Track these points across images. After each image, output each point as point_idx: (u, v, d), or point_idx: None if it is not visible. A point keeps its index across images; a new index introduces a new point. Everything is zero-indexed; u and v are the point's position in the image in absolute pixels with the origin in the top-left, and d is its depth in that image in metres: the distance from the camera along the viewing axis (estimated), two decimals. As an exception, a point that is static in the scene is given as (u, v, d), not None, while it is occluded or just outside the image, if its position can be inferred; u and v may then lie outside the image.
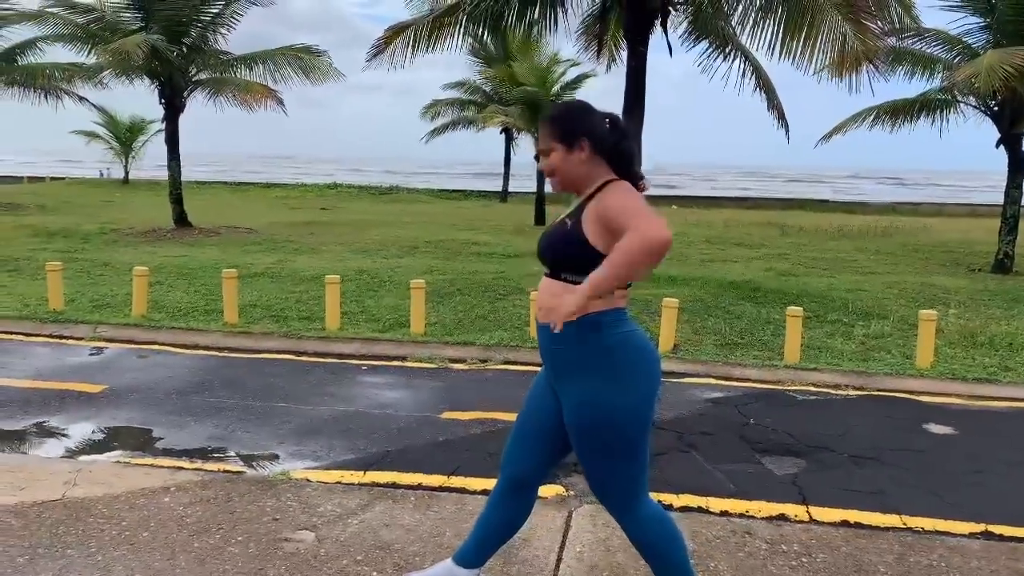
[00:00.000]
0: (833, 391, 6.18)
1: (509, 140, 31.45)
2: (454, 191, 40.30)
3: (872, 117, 14.91)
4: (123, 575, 3.08)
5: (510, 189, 34.01)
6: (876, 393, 6.16)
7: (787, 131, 11.78)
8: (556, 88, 22.44)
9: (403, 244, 14.96)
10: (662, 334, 7.15)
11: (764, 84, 11.34)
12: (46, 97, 23.84)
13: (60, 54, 22.37)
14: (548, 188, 18.11)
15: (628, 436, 2.45)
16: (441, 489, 4.08)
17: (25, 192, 30.45)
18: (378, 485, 4.09)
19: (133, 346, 7.04)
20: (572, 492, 4.08)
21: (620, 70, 10.93)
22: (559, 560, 3.29)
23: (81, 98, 25.02)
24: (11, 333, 7.36)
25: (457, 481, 4.19)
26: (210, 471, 4.23)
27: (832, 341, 7.63)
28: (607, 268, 2.21)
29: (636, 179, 2.47)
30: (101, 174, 44.21)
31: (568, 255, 2.43)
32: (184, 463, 4.36)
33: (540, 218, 20.45)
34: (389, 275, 10.96)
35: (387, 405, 5.47)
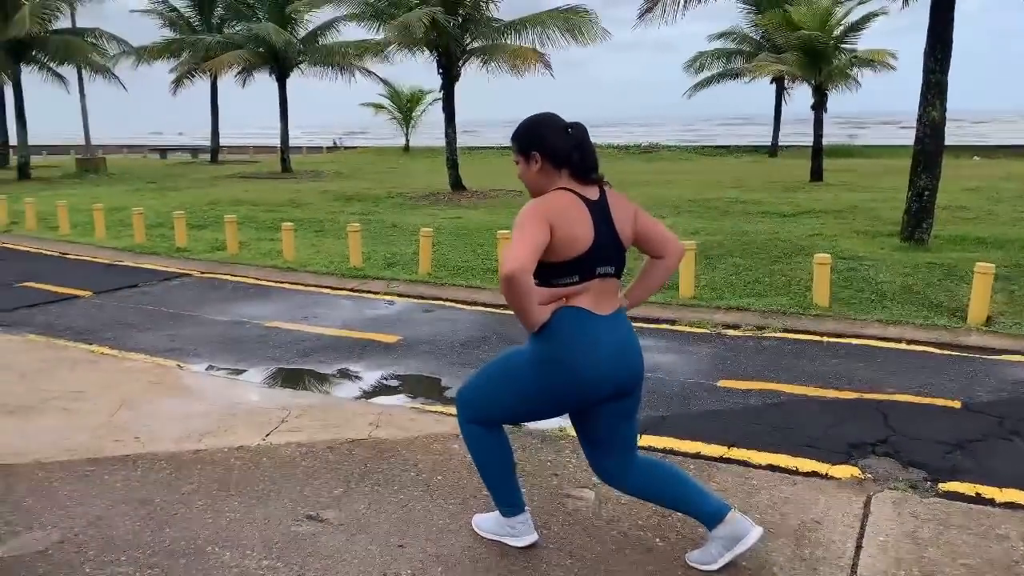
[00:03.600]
0: None
1: (780, 90, 29.50)
2: (718, 147, 38.75)
3: None
4: (421, 514, 3.31)
5: (780, 143, 31.98)
6: None
7: None
8: (839, 30, 20.48)
9: (667, 203, 14.67)
10: (973, 304, 6.29)
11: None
12: (341, 73, 26.53)
13: (352, 32, 24.59)
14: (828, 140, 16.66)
15: (512, 388, 2.76)
16: (721, 460, 3.92)
17: (325, 161, 34.26)
18: (655, 450, 4.03)
19: (421, 301, 7.61)
20: (870, 475, 3.72)
21: (918, 5, 9.69)
22: (858, 548, 3.00)
23: (369, 72, 27.50)
24: (321, 287, 8.29)
25: (738, 453, 4.00)
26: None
27: None
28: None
29: (595, 182, 2.66)
30: (335, 143, 48.75)
31: None
32: (469, 413, 4.61)
33: (817, 173, 18.93)
34: (655, 235, 10.78)
35: (659, 368, 5.37)
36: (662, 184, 18.88)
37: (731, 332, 6.27)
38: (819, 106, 19.91)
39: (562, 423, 4.39)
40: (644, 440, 4.16)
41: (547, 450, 4.00)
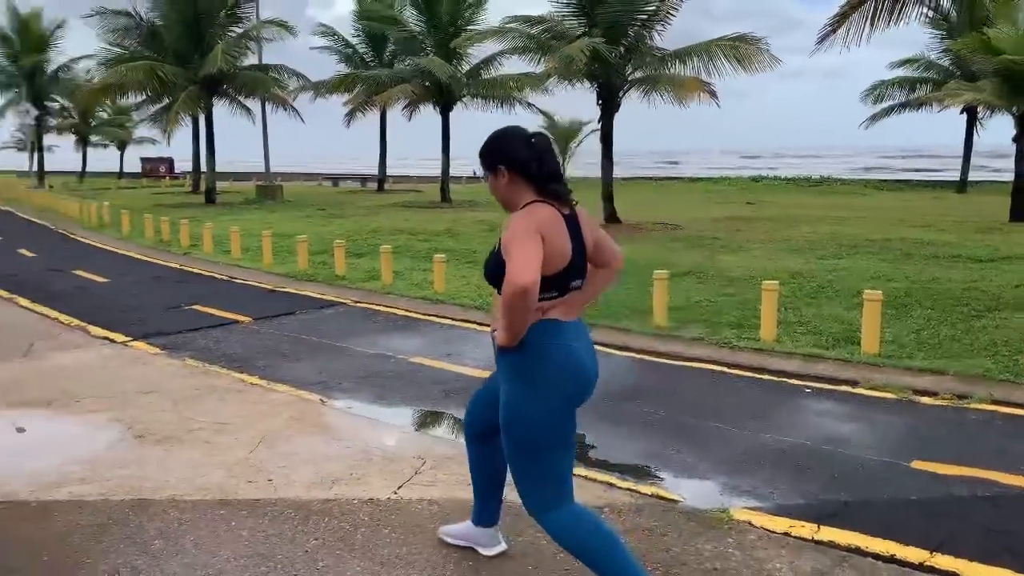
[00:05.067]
0: None
1: (972, 121, 26.97)
2: (897, 181, 36.02)
3: None
4: (558, 608, 2.88)
5: (970, 178, 29.20)
6: None
7: None
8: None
9: (841, 242, 13.52)
10: None
11: None
12: (501, 106, 26.92)
13: (514, 66, 24.91)
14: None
15: (531, 437, 2.70)
16: (922, 568, 3.21)
17: (483, 190, 34.85)
18: (836, 547, 3.38)
19: (568, 343, 7.20)
20: None
21: None
22: None
23: (529, 105, 27.74)
24: (467, 321, 8.09)
25: (943, 561, 3.27)
26: (644, 494, 3.94)
27: None
28: (500, 314, 2.58)
29: (556, 195, 2.66)
30: (474, 173, 48.01)
31: (496, 276, 2.61)
32: (616, 479, 4.14)
33: (1019, 212, 16.88)
34: (828, 279, 9.86)
35: (839, 441, 4.65)
36: (835, 221, 17.55)
37: (925, 400, 5.41)
38: (1021, 138, 17.87)
39: (723, 502, 3.85)
40: (823, 532, 3.52)
41: (706, 537, 3.46)
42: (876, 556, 3.30)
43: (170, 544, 3.44)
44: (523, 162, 2.67)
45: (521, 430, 2.70)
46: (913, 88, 29.10)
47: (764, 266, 10.99)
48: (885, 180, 36.92)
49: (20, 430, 4.96)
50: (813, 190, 31.11)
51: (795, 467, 4.27)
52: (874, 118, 29.92)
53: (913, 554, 3.31)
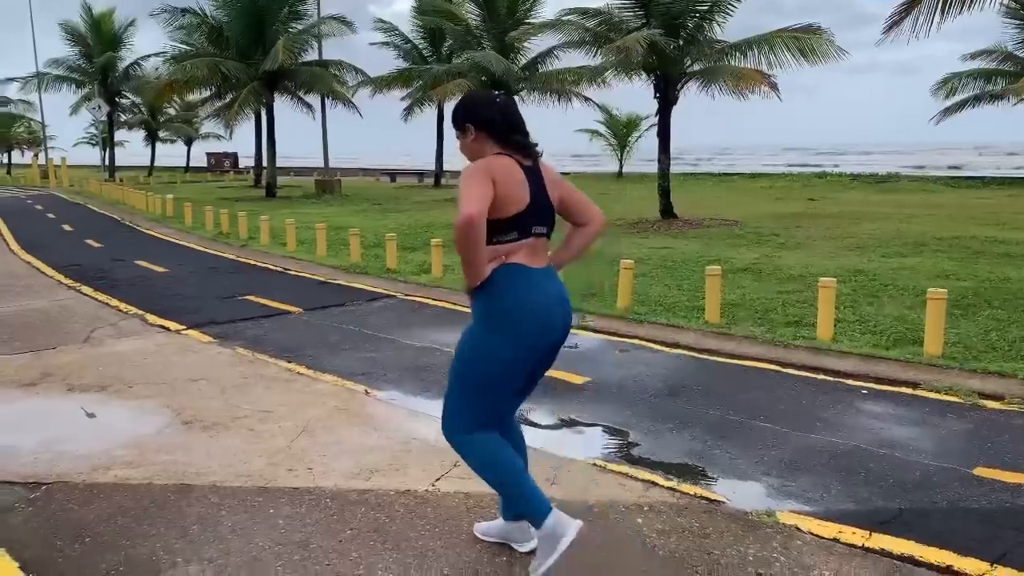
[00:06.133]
0: None
1: (1050, 115, 25.73)
2: (968, 178, 34.62)
3: None
4: (590, 608, 2.80)
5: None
6: None
7: None
8: None
9: (906, 241, 13.03)
10: None
11: None
12: (558, 100, 26.77)
13: (570, 59, 24.75)
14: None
15: (480, 374, 2.89)
16: (982, 581, 3.03)
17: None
18: (889, 555, 3.21)
19: (615, 338, 7.09)
20: None
21: None
22: None
23: (587, 99, 27.51)
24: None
25: (1004, 574, 3.08)
26: (686, 494, 3.82)
27: None
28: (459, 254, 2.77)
29: (518, 146, 2.89)
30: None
31: None
32: (659, 478, 4.02)
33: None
34: (891, 278, 9.50)
35: (896, 445, 4.44)
36: (902, 218, 16.94)
37: (991, 404, 5.13)
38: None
39: (770, 504, 3.71)
40: (875, 539, 3.35)
41: (750, 540, 3.33)
42: (931, 566, 3.12)
43: (208, 529, 3.47)
44: (487, 119, 2.91)
45: (472, 365, 2.90)
46: (989, 80, 27.88)
47: (824, 264, 10.65)
48: (956, 177, 35.50)
49: (90, 415, 5.09)
50: (879, 187, 30.11)
51: (848, 471, 4.09)
52: (946, 112, 28.74)
53: (971, 566, 3.12)
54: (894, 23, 9.03)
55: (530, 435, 4.70)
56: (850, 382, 5.66)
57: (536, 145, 2.94)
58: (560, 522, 2.84)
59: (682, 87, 17.36)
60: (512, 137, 2.90)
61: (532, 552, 3.10)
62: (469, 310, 2.95)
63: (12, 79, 47.50)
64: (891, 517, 3.57)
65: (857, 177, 34.81)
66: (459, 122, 2.99)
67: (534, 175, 2.90)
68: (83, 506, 3.73)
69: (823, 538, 3.35)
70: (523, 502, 2.94)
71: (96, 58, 41.38)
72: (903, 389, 5.46)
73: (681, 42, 16.89)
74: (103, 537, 3.42)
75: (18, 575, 3.09)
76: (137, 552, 3.27)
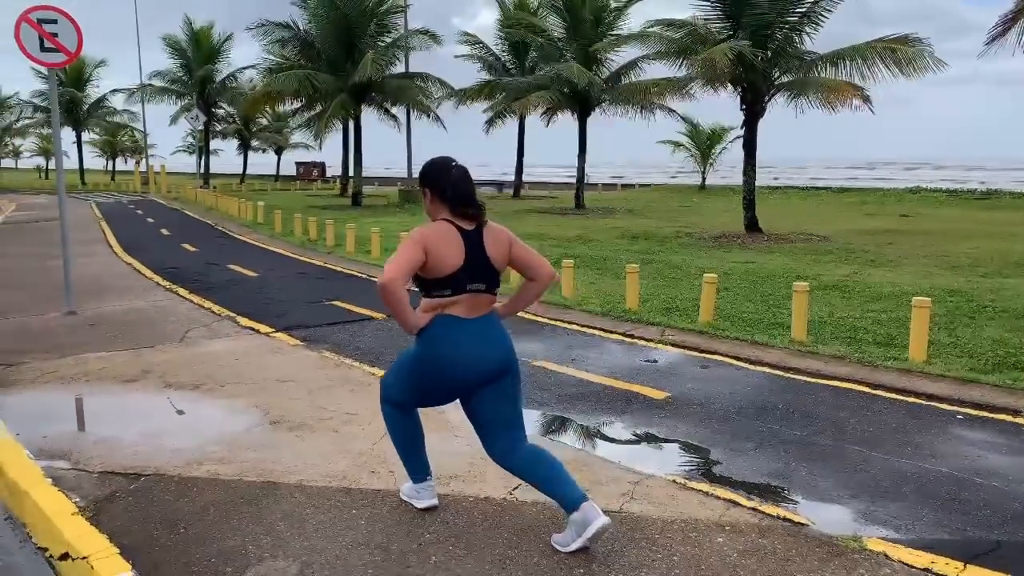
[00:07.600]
0: None
1: None
2: (1077, 196, 32.65)
3: None
4: (669, 625, 2.76)
5: None
6: None
7: None
8: None
9: (1008, 260, 12.40)
10: None
11: None
12: (640, 111, 26.58)
13: (653, 70, 24.56)
14: None
15: (403, 376, 3.57)
16: (1089, 624, 2.86)
17: (618, 198, 34.57)
18: (985, 589, 3.07)
19: (696, 354, 6.98)
20: None
21: None
22: None
23: (671, 111, 27.24)
24: (592, 327, 8.01)
25: (1115, 617, 2.90)
26: (769, 515, 3.73)
27: None
28: None
29: (463, 215, 3.29)
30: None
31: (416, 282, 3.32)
32: (741, 498, 3.94)
33: None
34: (991, 299, 9.05)
35: (995, 474, 4.24)
36: (1004, 237, 16.14)
37: (1100, 435, 4.84)
38: None
39: (857, 530, 3.59)
40: (970, 571, 3.20)
41: (835, 565, 3.23)
42: (1032, 604, 2.97)
43: (293, 527, 3.58)
44: (440, 188, 3.31)
45: (401, 370, 3.57)
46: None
47: (918, 283, 10.24)
48: (1064, 193, 33.54)
49: (179, 412, 5.34)
50: (979, 203, 28.75)
51: (941, 498, 3.93)
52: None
53: (1077, 606, 2.95)
54: (997, 35, 8.64)
55: (607, 449, 4.71)
56: (944, 406, 5.43)
57: (482, 211, 3.31)
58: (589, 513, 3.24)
59: (770, 99, 17.01)
60: (458, 208, 3.27)
61: (614, 564, 3.09)
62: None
63: (118, 90, 50.34)
64: (988, 549, 3.41)
65: (954, 193, 33.34)
66: (421, 184, 3.41)
67: (473, 240, 3.26)
68: (178, 498, 3.91)
69: (914, 567, 3.23)
70: (407, 464, 3.72)
71: (196, 71, 43.39)
72: (1003, 416, 5.20)
73: (769, 53, 16.57)
74: (196, 529, 3.57)
75: (118, 560, 3.25)
76: (228, 545, 3.41)
